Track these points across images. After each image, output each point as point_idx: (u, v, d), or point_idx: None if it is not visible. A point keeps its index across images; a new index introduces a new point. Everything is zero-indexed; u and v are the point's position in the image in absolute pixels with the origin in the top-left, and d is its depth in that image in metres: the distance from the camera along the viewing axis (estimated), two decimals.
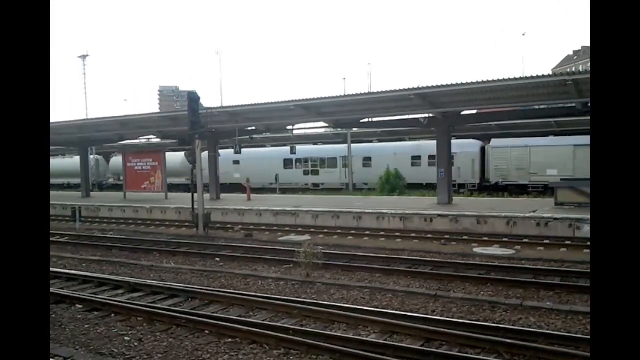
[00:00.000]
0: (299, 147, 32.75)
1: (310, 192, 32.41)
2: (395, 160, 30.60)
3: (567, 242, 13.55)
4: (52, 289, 9.86)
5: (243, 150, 25.31)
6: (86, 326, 7.77)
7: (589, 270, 8.37)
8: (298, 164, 35.03)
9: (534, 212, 16.17)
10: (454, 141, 25.50)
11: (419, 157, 31.13)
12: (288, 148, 32.26)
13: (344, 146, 33.83)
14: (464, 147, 29.65)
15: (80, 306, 8.80)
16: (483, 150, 30.51)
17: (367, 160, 32.76)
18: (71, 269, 12.33)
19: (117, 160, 41.48)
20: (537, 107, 20.87)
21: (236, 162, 34.65)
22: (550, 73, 19.49)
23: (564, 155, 27.19)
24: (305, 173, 35.06)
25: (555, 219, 14.94)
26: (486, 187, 29.44)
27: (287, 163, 34.89)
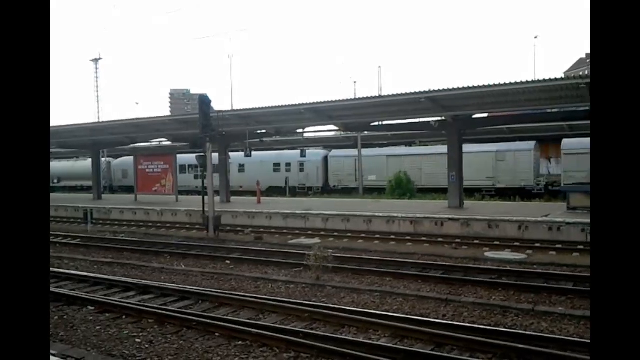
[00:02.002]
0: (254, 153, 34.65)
1: (319, 196, 32.46)
2: (261, 167, 34.86)
3: (580, 247, 13.41)
4: (64, 291, 9.97)
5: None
6: (97, 328, 7.82)
7: None
8: (190, 169, 37.32)
9: (546, 216, 16.04)
10: (301, 151, 33.12)
11: (278, 164, 35.65)
12: (185, 156, 34.15)
13: (289, 152, 36.59)
14: (311, 156, 34.41)
15: (92, 308, 8.86)
16: (326, 158, 35.11)
17: (241, 167, 36.23)
18: (83, 271, 12.42)
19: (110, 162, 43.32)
20: (549, 110, 20.72)
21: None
22: (563, 76, 19.34)
23: (380, 163, 32.66)
24: (196, 177, 36.74)
25: (568, 223, 14.80)
26: (331, 190, 33.83)
27: (182, 169, 36.43)
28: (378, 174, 32.24)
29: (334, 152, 35.54)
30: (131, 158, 38.41)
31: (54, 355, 6.14)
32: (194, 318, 7.84)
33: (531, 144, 29.01)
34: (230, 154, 34.05)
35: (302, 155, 33.83)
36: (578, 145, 26.86)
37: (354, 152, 34.06)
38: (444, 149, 30.07)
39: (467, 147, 30.28)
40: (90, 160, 43.35)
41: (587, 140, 28.23)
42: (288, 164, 35.10)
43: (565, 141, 28.17)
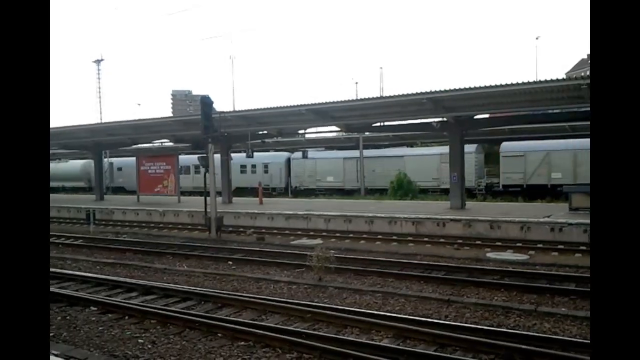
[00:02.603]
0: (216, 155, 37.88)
1: (321, 197, 32.52)
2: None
3: (582, 248, 13.40)
4: (67, 292, 10.00)
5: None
6: (100, 328, 7.83)
7: None
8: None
9: (548, 217, 16.04)
10: (267, 153, 36.25)
11: (245, 166, 36.68)
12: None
13: (256, 154, 38.28)
14: (275, 158, 36.43)
15: (95, 308, 8.88)
16: (289, 161, 36.51)
17: (120, 170, 41.42)
18: (85, 272, 12.45)
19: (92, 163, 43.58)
20: (551, 111, 20.70)
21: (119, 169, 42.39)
22: (564, 77, 19.33)
23: (337, 165, 34.66)
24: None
25: (570, 224, 14.79)
26: (295, 191, 35.30)
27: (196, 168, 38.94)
28: (335, 175, 34.53)
29: (296, 154, 36.73)
30: (108, 160, 43.15)
31: (56, 355, 6.16)
32: (196, 319, 7.85)
33: (473, 147, 29.99)
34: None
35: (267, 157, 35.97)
36: (514, 148, 29.21)
37: (313, 154, 35.85)
38: (395, 151, 33.85)
39: (415, 150, 34.03)
40: (72, 161, 44.47)
41: (523, 143, 29.96)
42: (254, 166, 36.10)
43: (503, 144, 29.84)
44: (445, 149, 29.44)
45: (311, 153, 35.64)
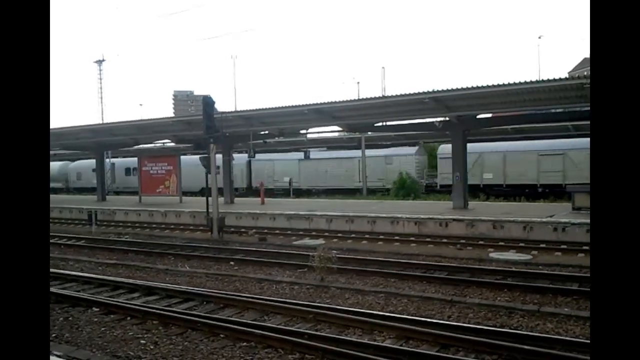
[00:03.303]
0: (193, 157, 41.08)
1: (323, 197, 32.56)
2: (196, 169, 37.30)
3: (585, 248, 13.34)
4: (69, 292, 9.99)
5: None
6: (102, 329, 7.82)
7: None
8: (135, 171, 42.58)
9: (550, 217, 15.99)
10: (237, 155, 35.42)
11: (129, 169, 39.65)
12: (130, 159, 39.28)
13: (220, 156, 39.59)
14: (237, 160, 35.87)
15: (97, 309, 8.87)
16: (249, 162, 37.04)
17: (94, 171, 41.44)
18: (87, 272, 12.44)
19: (76, 165, 46.10)
20: (553, 110, 20.65)
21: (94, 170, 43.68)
22: (567, 76, 19.28)
23: (293, 166, 35.89)
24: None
25: (573, 223, 14.74)
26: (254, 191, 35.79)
27: (127, 171, 41.34)
28: (293, 176, 35.81)
29: (257, 156, 37.89)
30: (85, 161, 44.46)
31: (59, 356, 6.15)
32: (198, 319, 7.83)
33: (413, 149, 33.07)
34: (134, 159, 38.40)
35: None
36: (450, 150, 29.08)
37: (272, 156, 37.50)
38: (347, 153, 35.55)
39: (360, 153, 34.68)
40: (50, 163, 45.44)
41: (265, 155, 33.76)
42: (217, 167, 36.48)
43: (441, 147, 31.40)
44: (390, 151, 33.91)
45: (269, 155, 37.19)
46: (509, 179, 27.99)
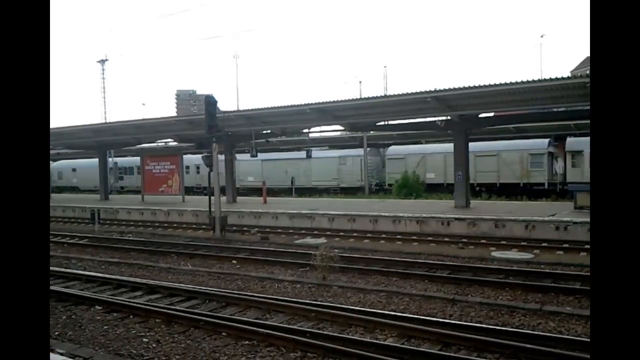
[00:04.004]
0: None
1: (325, 196, 32.63)
2: (91, 171, 41.01)
3: (587, 247, 13.33)
4: (72, 291, 10.04)
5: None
6: (105, 327, 7.85)
7: None
8: (111, 171, 43.27)
9: (552, 215, 15.98)
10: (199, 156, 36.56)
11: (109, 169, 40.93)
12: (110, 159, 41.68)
13: (192, 156, 39.37)
14: (203, 160, 37.35)
15: (100, 307, 8.91)
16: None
17: (74, 171, 46.56)
18: (90, 271, 12.49)
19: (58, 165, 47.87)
20: (556, 109, 20.62)
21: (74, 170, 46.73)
22: (569, 75, 19.25)
23: (256, 166, 36.63)
24: (120, 178, 44.99)
25: (575, 222, 14.73)
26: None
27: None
28: (255, 176, 37.41)
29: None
30: (66, 162, 47.16)
31: (62, 354, 6.19)
32: (201, 318, 7.86)
33: (367, 150, 34.90)
34: (131, 159, 41.62)
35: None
36: (397, 152, 33.62)
37: (238, 156, 38.93)
38: (304, 154, 36.86)
39: (319, 153, 37.04)
40: None
41: (404, 147, 33.95)
42: (187, 167, 37.73)
43: (389, 148, 34.35)
44: (344, 152, 35.83)
45: (238, 156, 38.34)
46: (449, 178, 29.07)
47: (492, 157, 29.62)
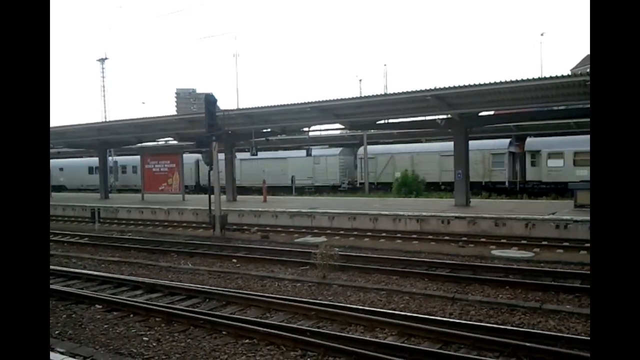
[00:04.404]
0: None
1: (325, 195, 32.68)
2: (77, 170, 44.56)
3: (587, 245, 13.32)
4: (72, 290, 10.04)
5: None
6: (105, 326, 7.86)
7: None
8: (97, 170, 45.39)
9: (552, 214, 15.97)
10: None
11: (92, 168, 42.78)
12: (92, 159, 43.06)
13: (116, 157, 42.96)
14: (186, 160, 38.95)
15: (100, 306, 8.91)
16: (197, 162, 39.17)
17: (134, 168, 43.99)
18: (90, 270, 12.49)
19: None
20: (556, 107, 20.61)
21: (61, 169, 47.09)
22: (569, 73, 19.23)
23: (236, 166, 35.66)
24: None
25: (575, 221, 14.72)
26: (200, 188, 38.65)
27: (90, 170, 44.92)
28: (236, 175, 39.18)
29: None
30: (52, 161, 47.15)
31: (62, 353, 6.19)
32: (201, 316, 7.86)
33: (338, 150, 36.67)
34: (125, 157, 43.34)
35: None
36: (368, 151, 34.75)
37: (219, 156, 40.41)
38: (280, 154, 38.16)
39: (294, 153, 37.68)
40: None
41: (375, 147, 35.02)
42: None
43: (360, 149, 35.59)
44: (317, 152, 36.55)
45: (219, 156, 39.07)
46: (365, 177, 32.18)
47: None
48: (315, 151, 36.26)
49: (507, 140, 30.28)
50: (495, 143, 30.75)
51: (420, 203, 22.15)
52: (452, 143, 31.32)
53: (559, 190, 26.07)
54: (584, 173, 26.07)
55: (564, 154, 27.78)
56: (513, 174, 30.35)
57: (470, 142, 31.14)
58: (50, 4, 3.21)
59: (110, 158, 44.34)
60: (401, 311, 8.16)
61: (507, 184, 29.59)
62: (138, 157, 40.66)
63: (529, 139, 29.92)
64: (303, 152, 34.41)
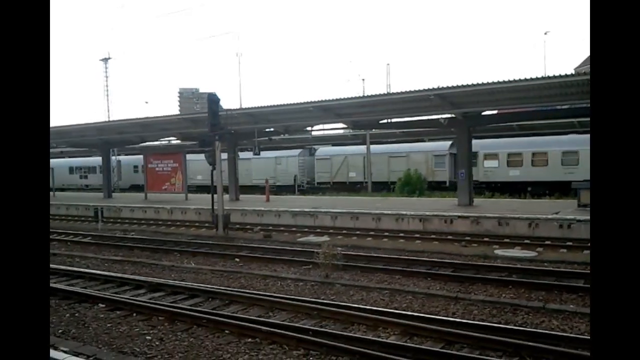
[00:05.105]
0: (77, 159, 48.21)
1: (327, 194, 32.69)
2: (61, 171, 43.62)
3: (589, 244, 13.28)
4: (75, 289, 10.06)
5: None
6: (108, 325, 7.88)
7: None
8: (77, 170, 47.76)
9: (556, 213, 15.93)
10: (140, 156, 37.58)
11: (72, 168, 46.47)
12: (73, 159, 47.47)
13: (133, 157, 43.46)
14: (206, 159, 39.41)
15: (103, 305, 8.93)
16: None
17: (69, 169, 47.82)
18: (94, 269, 12.52)
19: None
20: (559, 107, 20.55)
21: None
22: (573, 72, 19.18)
23: (205, 165, 37.55)
24: (80, 177, 47.35)
25: (578, 220, 14.68)
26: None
27: (70, 170, 47.73)
28: (204, 174, 38.01)
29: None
30: None
31: (65, 352, 6.20)
32: (204, 315, 7.87)
33: (297, 152, 38.02)
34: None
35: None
36: (324, 153, 37.40)
37: (189, 156, 41.78)
38: (244, 155, 35.96)
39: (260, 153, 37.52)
40: None
41: (330, 148, 37.69)
42: (135, 166, 41.16)
43: (318, 150, 37.97)
44: (279, 153, 37.80)
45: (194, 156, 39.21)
46: (368, 177, 33.61)
47: (403, 158, 33.08)
48: (277, 152, 37.91)
49: (449, 143, 31.85)
50: (437, 145, 33.03)
51: (423, 202, 22.12)
52: (398, 145, 35.10)
53: (492, 188, 28.13)
54: (517, 173, 27.76)
55: (498, 155, 29.19)
56: (455, 173, 31.50)
57: (416, 144, 34.28)
58: (50, 4, 3.21)
59: (86, 159, 45.21)
60: (404, 311, 8.15)
61: (447, 183, 31.28)
62: (115, 157, 41.45)
63: None
64: (267, 153, 35.27)
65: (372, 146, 34.64)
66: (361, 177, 34.37)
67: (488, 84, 16.50)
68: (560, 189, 25.14)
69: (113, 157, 40.72)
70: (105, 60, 70.43)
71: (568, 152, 27.02)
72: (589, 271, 10.30)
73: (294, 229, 18.26)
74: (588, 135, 28.45)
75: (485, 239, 14.77)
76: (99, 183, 42.20)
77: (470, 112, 19.51)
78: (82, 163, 47.12)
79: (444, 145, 32.32)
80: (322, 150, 38.02)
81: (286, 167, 37.14)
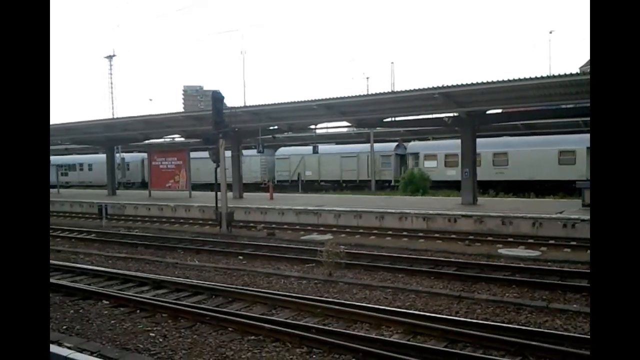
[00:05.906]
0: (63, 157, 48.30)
1: (332, 192, 32.68)
2: (102, 167, 42.20)
3: None
4: (79, 285, 10.10)
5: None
6: (112, 322, 7.90)
7: None
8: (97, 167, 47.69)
9: (560, 213, 15.89)
10: (128, 154, 44.44)
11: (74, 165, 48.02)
12: (59, 157, 46.20)
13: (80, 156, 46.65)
14: (132, 158, 44.06)
15: (107, 302, 8.96)
16: (143, 161, 40.91)
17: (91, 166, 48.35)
18: (98, 266, 12.56)
19: None
20: (564, 106, 20.48)
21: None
22: (578, 71, 19.11)
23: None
24: (62, 174, 46.79)
25: (582, 220, 14.63)
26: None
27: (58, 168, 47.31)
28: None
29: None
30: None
31: (69, 348, 6.23)
32: (207, 313, 7.89)
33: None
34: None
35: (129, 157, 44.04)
36: (283, 152, 39.37)
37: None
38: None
39: (244, 152, 37.28)
40: None
41: (289, 149, 39.28)
42: (119, 164, 42.39)
43: (279, 150, 39.82)
44: (247, 153, 37.21)
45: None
46: (322, 176, 36.81)
47: (354, 158, 35.62)
48: (246, 152, 38.48)
49: (394, 144, 34.81)
50: (384, 146, 35.13)
51: (426, 201, 22.10)
52: (350, 146, 37.15)
53: (432, 187, 29.50)
54: (453, 173, 28.57)
55: (437, 156, 31.38)
56: (400, 172, 33.65)
57: (363, 145, 35.98)
58: (50, 3, 3.22)
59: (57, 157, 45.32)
60: (407, 309, 8.14)
61: (393, 181, 33.46)
62: (96, 155, 42.02)
63: (411, 143, 34.63)
64: (251, 152, 35.85)
65: (325, 146, 36.63)
66: (316, 176, 36.86)
67: (493, 82, 16.45)
68: (493, 187, 27.81)
69: (117, 155, 40.82)
70: (110, 57, 70.62)
71: (498, 153, 29.43)
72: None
73: (297, 227, 18.28)
74: (519, 138, 28.72)
75: (489, 238, 14.74)
76: (78, 180, 44.95)
77: (474, 111, 19.47)
78: (64, 161, 47.28)
79: (390, 146, 34.98)
80: (282, 150, 40.06)
81: (249, 166, 38.02)
